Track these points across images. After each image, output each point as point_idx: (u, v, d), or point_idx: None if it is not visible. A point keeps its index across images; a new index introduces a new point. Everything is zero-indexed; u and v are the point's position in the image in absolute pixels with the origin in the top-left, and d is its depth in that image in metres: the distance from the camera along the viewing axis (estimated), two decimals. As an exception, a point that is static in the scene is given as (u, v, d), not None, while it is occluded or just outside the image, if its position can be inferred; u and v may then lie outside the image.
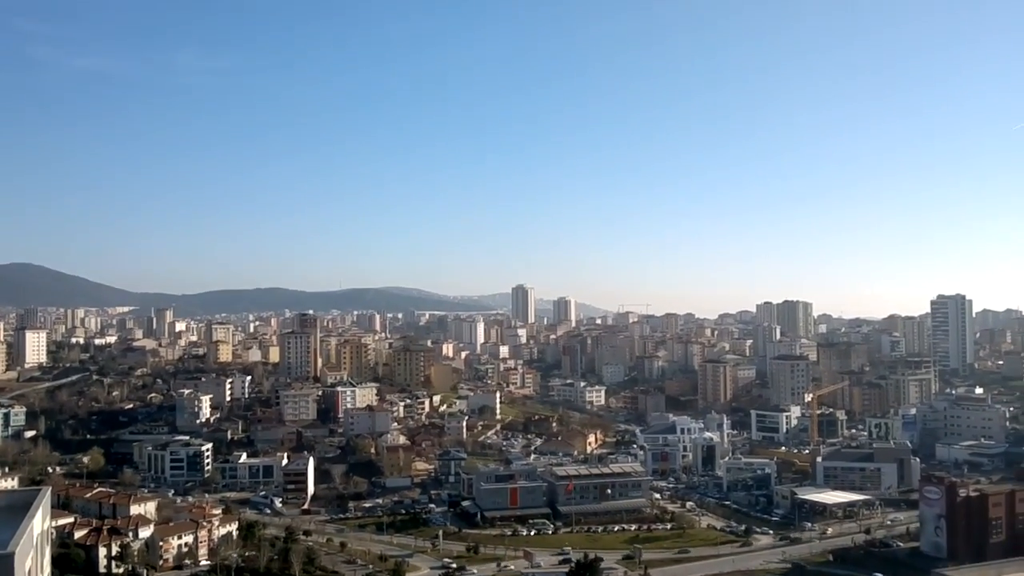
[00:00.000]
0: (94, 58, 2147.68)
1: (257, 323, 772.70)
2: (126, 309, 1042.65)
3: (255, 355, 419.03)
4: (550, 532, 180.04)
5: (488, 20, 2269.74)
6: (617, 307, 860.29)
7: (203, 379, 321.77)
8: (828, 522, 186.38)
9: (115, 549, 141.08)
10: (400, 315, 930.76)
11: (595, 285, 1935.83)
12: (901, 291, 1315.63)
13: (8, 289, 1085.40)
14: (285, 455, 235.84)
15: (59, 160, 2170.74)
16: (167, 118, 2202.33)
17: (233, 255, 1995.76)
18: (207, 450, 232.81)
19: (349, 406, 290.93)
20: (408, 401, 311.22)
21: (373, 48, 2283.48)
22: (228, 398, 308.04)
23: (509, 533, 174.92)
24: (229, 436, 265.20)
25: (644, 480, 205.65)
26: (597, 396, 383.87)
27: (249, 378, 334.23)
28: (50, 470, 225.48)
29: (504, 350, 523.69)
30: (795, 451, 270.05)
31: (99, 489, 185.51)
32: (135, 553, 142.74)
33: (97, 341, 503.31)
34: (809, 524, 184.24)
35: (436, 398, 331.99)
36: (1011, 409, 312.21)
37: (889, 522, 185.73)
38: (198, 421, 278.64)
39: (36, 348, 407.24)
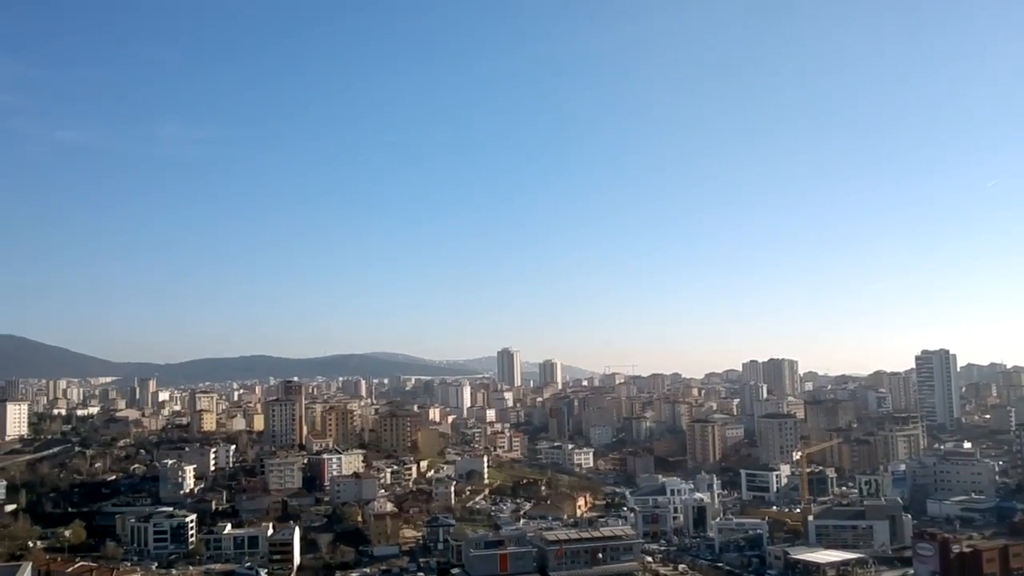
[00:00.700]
0: (76, 131, 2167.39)
1: (241, 391, 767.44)
2: (109, 379, 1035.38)
3: (239, 424, 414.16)
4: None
5: (473, 80, 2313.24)
6: (603, 368, 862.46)
7: (187, 449, 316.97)
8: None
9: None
10: (386, 380, 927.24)
11: (581, 347, 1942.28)
12: (886, 346, 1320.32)
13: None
14: (270, 525, 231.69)
15: (41, 231, 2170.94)
16: (148, 187, 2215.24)
17: (216, 323, 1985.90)
18: (191, 521, 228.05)
19: (335, 473, 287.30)
20: (395, 467, 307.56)
21: (354, 110, 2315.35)
22: (212, 468, 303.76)
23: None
24: (213, 506, 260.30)
25: (635, 543, 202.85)
26: (585, 458, 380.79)
27: (233, 447, 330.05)
28: (31, 544, 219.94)
29: (491, 414, 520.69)
30: (786, 510, 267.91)
31: (81, 563, 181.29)
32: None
33: (79, 412, 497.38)
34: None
35: (423, 463, 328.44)
36: (1000, 463, 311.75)
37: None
38: (182, 492, 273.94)
39: (17, 420, 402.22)
